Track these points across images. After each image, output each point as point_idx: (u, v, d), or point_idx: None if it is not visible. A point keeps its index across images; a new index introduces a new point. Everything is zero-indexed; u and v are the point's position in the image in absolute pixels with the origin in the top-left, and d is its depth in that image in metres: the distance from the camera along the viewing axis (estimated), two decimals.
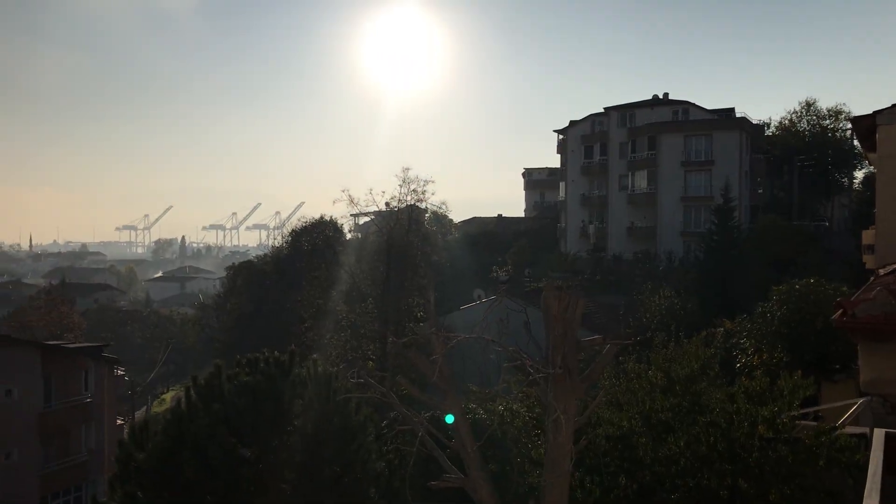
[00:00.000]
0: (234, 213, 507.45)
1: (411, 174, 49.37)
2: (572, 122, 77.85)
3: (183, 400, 15.61)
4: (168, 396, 79.99)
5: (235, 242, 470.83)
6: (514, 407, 23.58)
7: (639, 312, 43.74)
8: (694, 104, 72.43)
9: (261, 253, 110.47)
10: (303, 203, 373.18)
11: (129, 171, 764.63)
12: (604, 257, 69.82)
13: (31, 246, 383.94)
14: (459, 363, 14.98)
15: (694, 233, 64.27)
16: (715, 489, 14.00)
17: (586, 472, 15.62)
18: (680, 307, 42.21)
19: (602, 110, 74.84)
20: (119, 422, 48.14)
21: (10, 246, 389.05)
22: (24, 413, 35.60)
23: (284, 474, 15.18)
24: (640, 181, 70.07)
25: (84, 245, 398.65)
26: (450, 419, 9.86)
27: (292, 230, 78.23)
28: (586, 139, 75.75)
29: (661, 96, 75.05)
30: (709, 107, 72.97)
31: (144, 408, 72.86)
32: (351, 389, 16.50)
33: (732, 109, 72.80)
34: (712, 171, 66.06)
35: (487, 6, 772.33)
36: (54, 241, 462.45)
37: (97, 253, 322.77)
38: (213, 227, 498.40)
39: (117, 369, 47.71)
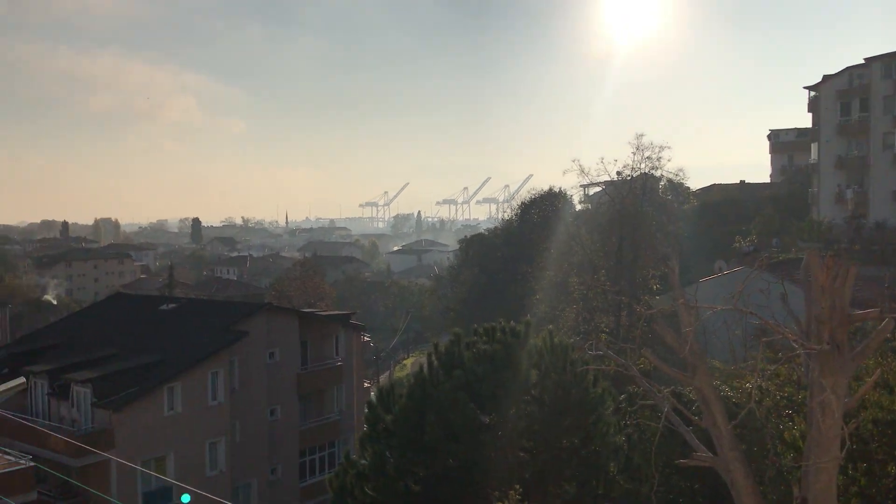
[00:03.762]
0: (466, 188, 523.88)
1: (645, 140, 47.73)
2: (825, 77, 70.89)
3: (425, 366, 16.20)
4: (408, 362, 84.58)
5: (467, 216, 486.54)
6: (764, 385, 22.09)
7: None
8: None
9: (491, 226, 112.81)
10: (531, 175, 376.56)
11: (371, 152, 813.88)
12: (864, 224, 63.17)
13: (286, 222, 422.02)
14: (701, 338, 14.16)
15: None
16: None
17: (849, 459, 14.18)
18: None
19: (862, 61, 67.36)
20: (366, 384, 51.61)
21: (270, 222, 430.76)
22: (285, 374, 39.02)
23: (523, 442, 15.30)
24: None
25: (332, 221, 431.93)
26: None
27: (522, 203, 78.91)
28: (842, 94, 68.69)
29: None
30: None
31: (387, 372, 77.63)
32: (589, 361, 16.21)
33: None
34: None
35: None
36: (306, 217, 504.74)
37: (343, 228, 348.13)
38: (445, 201, 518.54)
39: (363, 336, 51.03)
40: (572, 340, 18.57)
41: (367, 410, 16.92)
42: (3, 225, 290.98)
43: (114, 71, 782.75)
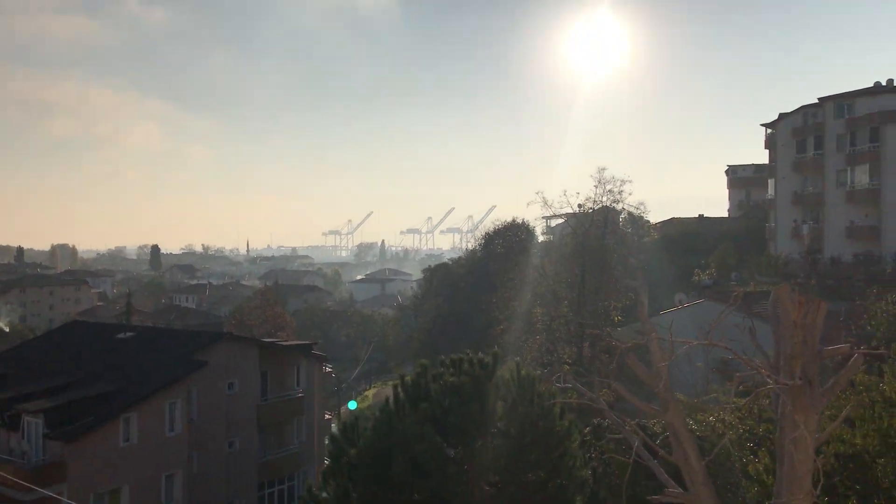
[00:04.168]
0: (430, 218, 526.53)
1: (607, 174, 48.33)
2: (782, 115, 72.81)
3: (391, 398, 15.98)
4: (370, 393, 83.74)
5: (431, 246, 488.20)
6: (727, 418, 22.24)
7: (862, 320, 39.91)
8: None
9: (455, 256, 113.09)
10: (494, 206, 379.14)
11: (335, 180, 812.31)
12: (819, 259, 64.56)
13: (248, 250, 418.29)
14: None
15: None
16: None
17: None
18: None
19: (816, 101, 69.32)
20: (327, 416, 50.91)
21: (231, 250, 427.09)
22: (245, 405, 38.35)
23: (489, 476, 15.12)
24: (861, 176, 64.08)
25: (294, 249, 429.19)
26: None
27: (485, 233, 79.38)
28: (798, 132, 70.57)
29: (883, 83, 68.32)
30: None
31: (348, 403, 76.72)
32: (556, 394, 16.14)
33: None
34: None
35: (684, 3, 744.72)
36: (268, 245, 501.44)
37: (306, 256, 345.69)
38: (409, 231, 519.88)
39: (325, 366, 50.43)
40: (539, 372, 18.51)
41: (330, 443, 16.60)
42: None
43: (75, 96, 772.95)
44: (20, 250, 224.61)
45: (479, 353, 16.85)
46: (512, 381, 15.98)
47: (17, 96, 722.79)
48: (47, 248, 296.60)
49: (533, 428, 15.42)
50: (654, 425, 21.01)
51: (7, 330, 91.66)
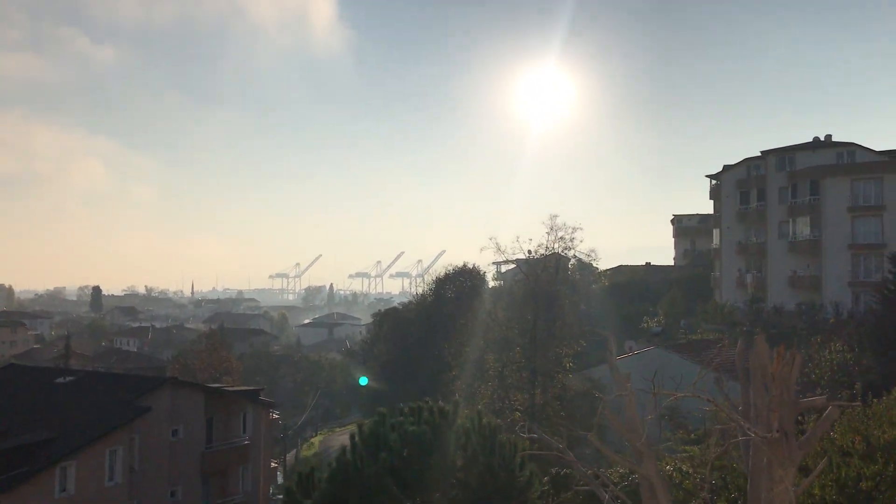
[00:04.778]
0: (379, 262, 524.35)
1: (558, 221, 48.83)
2: (726, 167, 74.96)
3: (349, 448, 15.51)
4: (317, 440, 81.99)
5: (380, 290, 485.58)
6: (683, 467, 22.19)
7: (806, 368, 40.66)
8: (860, 146, 67.96)
9: (404, 300, 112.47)
10: (444, 251, 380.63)
11: (282, 223, 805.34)
12: (763, 308, 65.95)
13: (192, 292, 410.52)
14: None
15: (864, 282, 59.71)
16: None
17: None
18: (854, 363, 38.94)
19: (758, 154, 71.60)
20: (273, 464, 49.55)
21: (175, 292, 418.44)
22: (189, 452, 37.10)
23: None
24: (803, 228, 66.07)
25: (240, 292, 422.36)
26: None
27: (436, 278, 79.17)
28: (741, 184, 72.67)
29: (822, 138, 71.00)
30: (878, 148, 68.22)
31: (294, 451, 74.93)
32: (517, 444, 15.87)
33: None
34: (884, 217, 61.43)
35: (630, 56, 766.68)
36: (213, 288, 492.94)
37: (252, 299, 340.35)
38: (358, 274, 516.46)
39: (273, 413, 49.24)
40: (498, 421, 18.24)
41: (284, 495, 16.01)
42: None
43: (18, 133, 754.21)
44: None
45: (439, 401, 16.54)
46: (472, 431, 15.69)
47: None
48: None
49: (494, 479, 15.11)
50: (611, 474, 20.86)
51: None
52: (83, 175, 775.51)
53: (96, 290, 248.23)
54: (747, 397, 9.26)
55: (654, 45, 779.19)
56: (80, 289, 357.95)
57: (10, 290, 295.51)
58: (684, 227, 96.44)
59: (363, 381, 66.80)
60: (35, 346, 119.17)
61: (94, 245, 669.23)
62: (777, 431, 7.47)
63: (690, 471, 23.13)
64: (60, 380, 38.98)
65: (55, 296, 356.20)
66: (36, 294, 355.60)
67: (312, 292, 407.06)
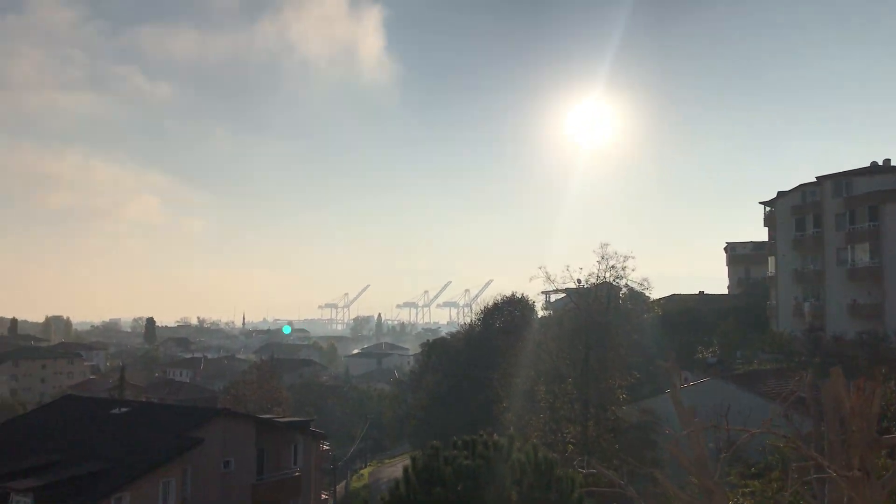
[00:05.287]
0: (426, 292, 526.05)
1: (609, 250, 48.18)
2: (780, 193, 73.38)
3: (402, 482, 15.27)
4: (366, 472, 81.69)
5: (427, 320, 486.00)
6: (744, 503, 21.44)
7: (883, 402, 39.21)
8: None
9: (452, 330, 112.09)
10: (491, 281, 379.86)
11: (332, 254, 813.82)
12: (822, 337, 63.99)
13: (243, 323, 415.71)
14: (665, 450, 13.61)
15: None
16: None
17: None
18: None
19: (814, 179, 69.99)
20: (323, 496, 49.34)
21: (226, 323, 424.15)
22: (240, 484, 37.14)
23: None
24: (862, 254, 64.17)
25: (290, 323, 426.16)
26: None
27: (484, 307, 78.65)
28: (797, 210, 71.01)
29: (880, 163, 69.15)
30: None
31: (344, 482, 74.69)
32: (575, 479, 15.43)
33: None
34: None
35: (683, 83, 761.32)
36: (264, 318, 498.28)
37: (302, 330, 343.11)
38: (406, 304, 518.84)
39: (323, 444, 49.19)
40: (554, 455, 17.79)
41: None
42: None
43: (77, 168, 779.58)
44: (14, 322, 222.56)
45: (493, 434, 16.22)
46: (528, 465, 15.31)
47: (18, 169, 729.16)
48: (41, 319, 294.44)
49: None
50: None
51: None
52: (138, 209, 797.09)
53: (150, 321, 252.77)
54: (819, 432, 8.81)
55: (705, 71, 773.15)
56: (135, 320, 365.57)
57: (67, 322, 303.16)
58: (738, 254, 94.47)
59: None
60: (91, 377, 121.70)
61: (148, 277, 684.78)
62: (858, 469, 7.05)
63: None
64: (115, 411, 39.55)
65: (111, 327, 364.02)
66: (92, 325, 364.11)
67: (361, 322, 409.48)
